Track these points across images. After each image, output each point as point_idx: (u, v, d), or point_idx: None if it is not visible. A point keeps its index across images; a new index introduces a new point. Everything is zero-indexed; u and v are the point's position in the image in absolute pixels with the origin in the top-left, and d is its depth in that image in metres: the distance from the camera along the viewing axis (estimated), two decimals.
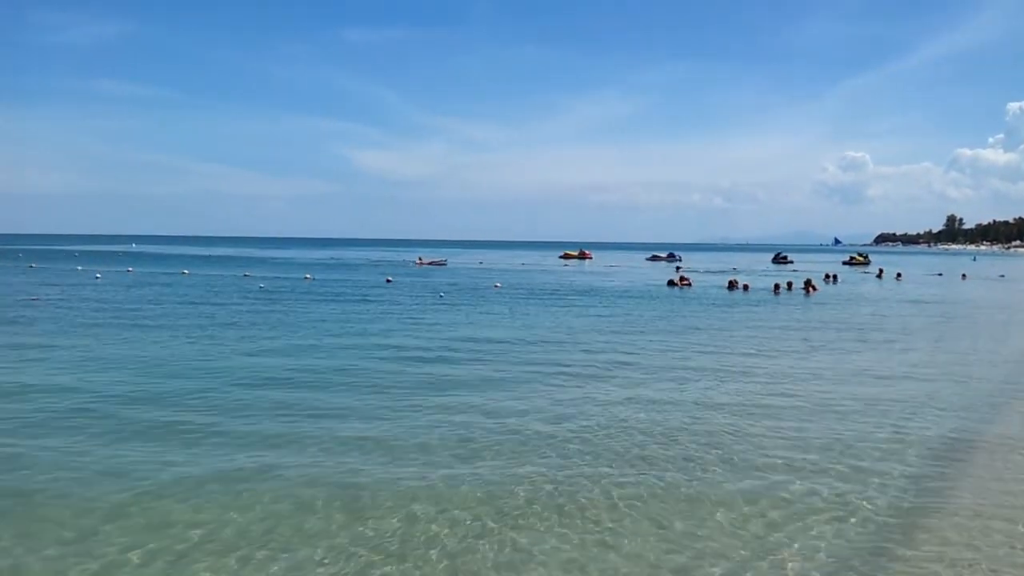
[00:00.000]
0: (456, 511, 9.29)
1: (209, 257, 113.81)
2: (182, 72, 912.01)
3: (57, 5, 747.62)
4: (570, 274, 74.58)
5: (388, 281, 57.42)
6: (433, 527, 8.80)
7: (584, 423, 13.53)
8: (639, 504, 9.58)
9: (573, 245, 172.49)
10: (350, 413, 14.15)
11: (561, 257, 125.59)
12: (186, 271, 68.29)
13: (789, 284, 50.66)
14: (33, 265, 76.14)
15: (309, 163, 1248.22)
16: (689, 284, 54.05)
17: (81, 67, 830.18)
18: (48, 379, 17.09)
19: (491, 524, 8.91)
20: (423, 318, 31.38)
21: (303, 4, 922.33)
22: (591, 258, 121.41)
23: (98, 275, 58.98)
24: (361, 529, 8.74)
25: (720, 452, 11.82)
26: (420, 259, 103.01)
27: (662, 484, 10.30)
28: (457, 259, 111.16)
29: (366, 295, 43.96)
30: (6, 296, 38.98)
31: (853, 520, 9.10)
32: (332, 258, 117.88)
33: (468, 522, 8.97)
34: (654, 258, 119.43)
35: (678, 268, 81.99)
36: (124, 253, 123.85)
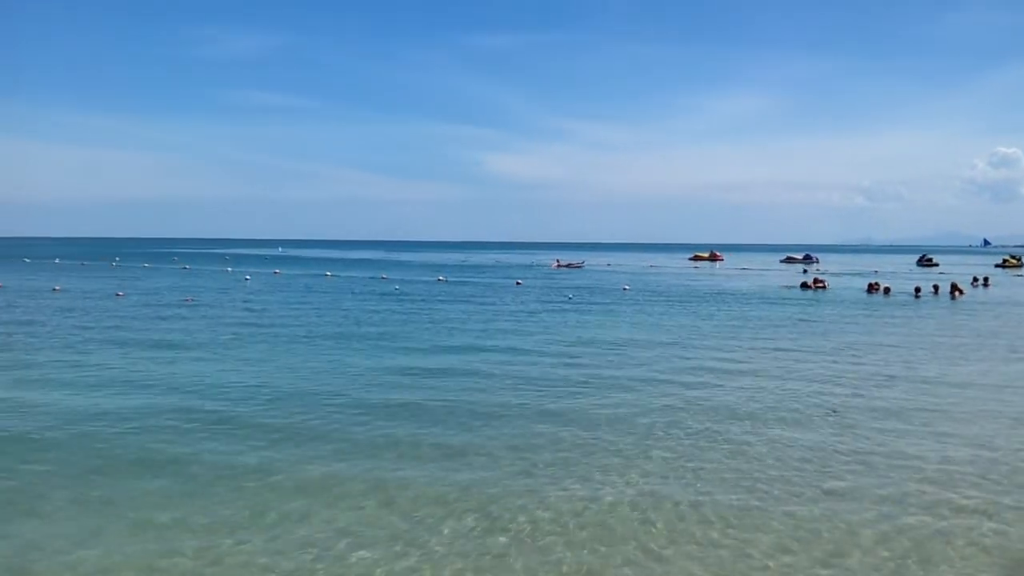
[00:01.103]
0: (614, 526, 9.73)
1: (350, 260, 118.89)
2: (323, 82, 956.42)
3: (205, 19, 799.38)
4: (699, 276, 73.53)
5: (518, 284, 58.50)
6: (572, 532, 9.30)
7: (696, 439, 13.74)
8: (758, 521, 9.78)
9: (704, 247, 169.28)
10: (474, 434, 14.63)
11: (691, 259, 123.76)
12: (329, 273, 71.82)
13: (935, 287, 48.39)
14: (187, 267, 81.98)
15: (441, 168, 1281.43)
16: (824, 286, 52.45)
17: (229, 79, 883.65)
18: (191, 381, 18.70)
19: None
20: (551, 321, 32.06)
21: (434, 13, 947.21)
22: (722, 260, 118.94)
23: (247, 277, 62.97)
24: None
25: (851, 476, 11.77)
26: (557, 261, 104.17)
27: (791, 506, 10.42)
28: (585, 261, 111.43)
29: (496, 297, 45.10)
30: (163, 297, 42.39)
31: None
32: (463, 261, 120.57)
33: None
34: (789, 260, 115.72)
35: (805, 271, 79.74)
36: (271, 256, 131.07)
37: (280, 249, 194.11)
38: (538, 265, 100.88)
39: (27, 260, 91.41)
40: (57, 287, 47.33)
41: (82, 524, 9.06)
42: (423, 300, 41.89)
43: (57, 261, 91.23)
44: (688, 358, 21.63)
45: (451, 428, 13.53)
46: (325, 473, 10.94)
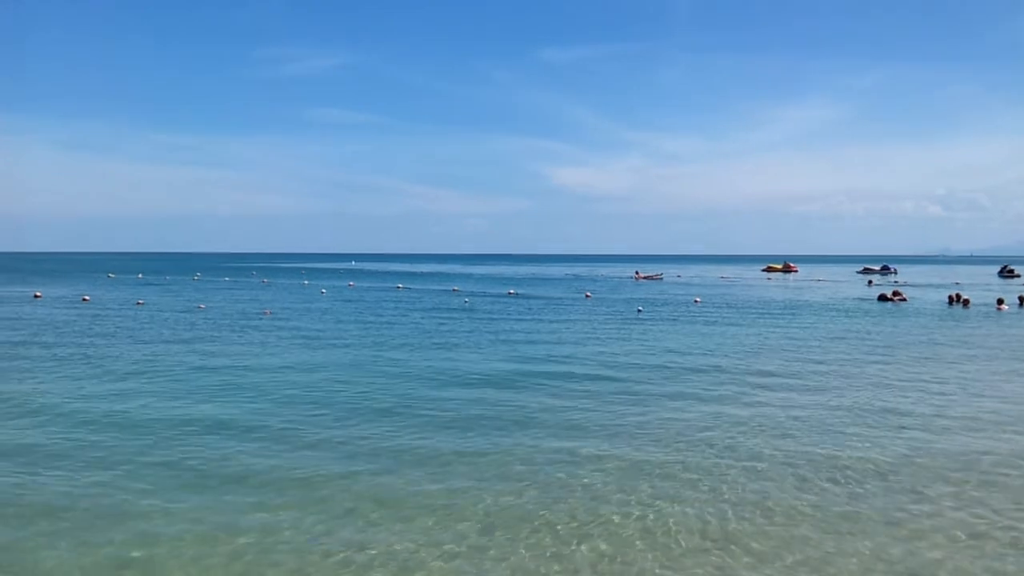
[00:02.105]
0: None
1: (420, 273, 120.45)
2: (392, 99, 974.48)
3: (280, 40, 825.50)
4: (773, 288, 72.23)
5: (587, 296, 58.42)
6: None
7: (772, 458, 13.53)
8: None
9: (777, 258, 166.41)
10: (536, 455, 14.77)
11: (764, 270, 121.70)
12: (400, 285, 73.09)
13: (1021, 299, 46.75)
14: (265, 281, 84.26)
15: (509, 181, 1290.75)
16: (904, 299, 51.03)
17: (303, 97, 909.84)
18: (260, 410, 19.23)
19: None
20: (621, 337, 31.89)
21: (503, 28, 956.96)
22: (796, 271, 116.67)
23: (323, 290, 64.59)
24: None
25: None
26: (638, 273, 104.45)
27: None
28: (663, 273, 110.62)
29: (565, 310, 45.10)
30: (243, 310, 43.61)
31: None
32: (532, 274, 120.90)
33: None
34: (866, 271, 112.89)
35: (870, 282, 78.50)
36: (345, 270, 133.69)
37: (353, 263, 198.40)
38: (606, 277, 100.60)
39: (111, 275, 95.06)
40: (140, 301, 49.23)
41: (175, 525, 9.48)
42: (493, 316, 41.78)
43: (140, 276, 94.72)
44: (767, 387, 20.35)
45: (514, 476, 11.77)
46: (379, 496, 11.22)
